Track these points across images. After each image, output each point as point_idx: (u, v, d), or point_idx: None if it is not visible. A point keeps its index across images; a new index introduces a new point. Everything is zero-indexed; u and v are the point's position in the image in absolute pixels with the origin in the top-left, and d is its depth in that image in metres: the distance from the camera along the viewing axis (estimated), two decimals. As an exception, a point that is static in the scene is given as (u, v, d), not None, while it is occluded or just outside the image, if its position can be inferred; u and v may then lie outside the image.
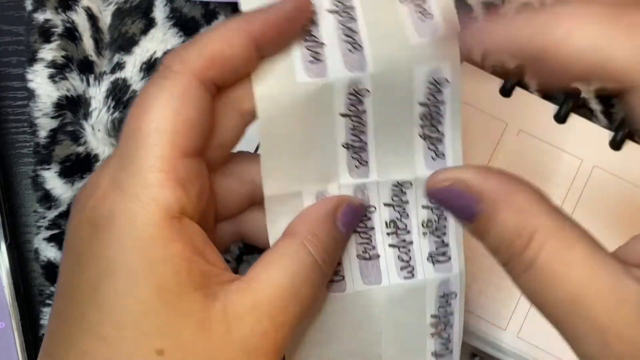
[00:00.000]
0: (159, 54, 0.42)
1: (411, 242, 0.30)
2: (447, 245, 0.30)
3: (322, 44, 0.27)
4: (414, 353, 0.30)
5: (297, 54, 0.27)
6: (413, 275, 0.29)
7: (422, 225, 0.30)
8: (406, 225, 0.29)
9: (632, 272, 0.22)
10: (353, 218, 0.28)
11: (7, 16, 0.44)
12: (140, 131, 0.24)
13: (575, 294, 0.22)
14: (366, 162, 0.29)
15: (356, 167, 0.28)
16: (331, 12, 0.27)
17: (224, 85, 0.26)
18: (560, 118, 0.40)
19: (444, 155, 0.29)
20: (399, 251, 0.29)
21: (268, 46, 0.26)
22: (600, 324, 0.22)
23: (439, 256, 0.30)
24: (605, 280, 0.22)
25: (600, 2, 0.22)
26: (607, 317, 0.22)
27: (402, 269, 0.29)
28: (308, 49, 0.27)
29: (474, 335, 0.38)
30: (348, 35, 0.27)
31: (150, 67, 0.42)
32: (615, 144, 0.39)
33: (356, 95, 0.27)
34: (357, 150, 0.28)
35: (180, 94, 0.25)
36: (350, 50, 0.27)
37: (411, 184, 0.29)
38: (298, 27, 0.26)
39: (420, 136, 0.29)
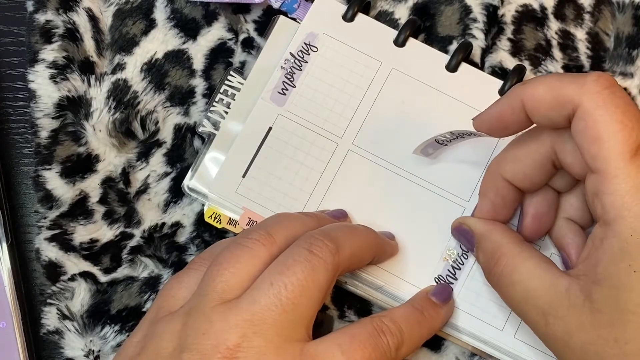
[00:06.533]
0: (159, 55, 0.42)
1: None
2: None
3: None
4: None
5: None
6: None
7: None
8: None
9: (566, 272, 0.32)
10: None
11: (8, 17, 0.44)
12: None
13: (526, 291, 0.33)
14: None
15: None
16: None
17: None
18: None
19: None
20: None
21: None
22: (544, 309, 0.32)
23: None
24: (546, 279, 0.32)
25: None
26: (547, 305, 0.32)
27: None
28: None
29: (473, 335, 0.38)
30: None
31: (150, 67, 0.42)
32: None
33: None
34: None
35: None
36: None
37: None
38: None
39: None
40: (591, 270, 0.31)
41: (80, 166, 0.41)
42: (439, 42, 0.42)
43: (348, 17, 0.41)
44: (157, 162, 0.41)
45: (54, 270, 0.40)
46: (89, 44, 0.42)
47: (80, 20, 0.42)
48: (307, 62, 0.40)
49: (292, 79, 0.40)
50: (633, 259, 0.29)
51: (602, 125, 0.30)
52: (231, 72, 0.41)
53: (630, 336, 0.30)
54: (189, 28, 0.43)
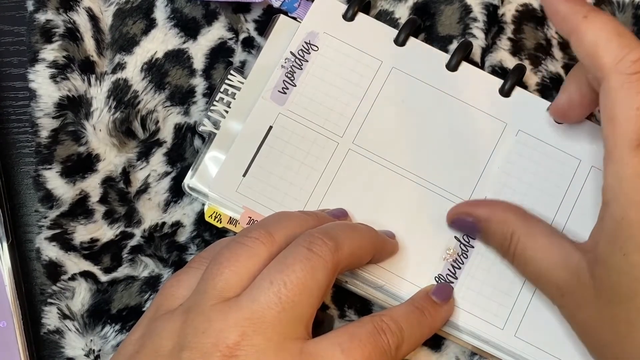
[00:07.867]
0: (159, 55, 0.42)
1: None
2: None
3: None
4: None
5: None
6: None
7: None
8: None
9: (578, 246, 0.34)
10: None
11: (8, 16, 0.44)
12: None
13: (539, 269, 0.35)
14: None
15: None
16: None
17: None
18: (559, 118, 0.40)
19: None
20: None
21: None
22: (558, 285, 0.34)
23: None
24: (558, 255, 0.34)
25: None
26: (561, 281, 0.34)
27: None
28: None
29: (473, 334, 0.38)
30: None
31: (151, 67, 0.42)
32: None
33: None
34: None
35: None
36: None
37: None
38: None
39: None
40: (595, 248, 0.32)
41: (80, 166, 0.41)
42: (439, 42, 0.42)
43: (348, 17, 0.41)
44: (158, 161, 0.41)
45: (54, 270, 0.40)
46: (89, 44, 0.42)
47: (81, 19, 0.42)
48: (307, 61, 0.40)
49: (292, 78, 0.40)
50: (624, 242, 0.30)
51: (619, 108, 0.30)
52: (231, 72, 0.41)
53: (622, 317, 0.31)
54: (189, 27, 0.43)
